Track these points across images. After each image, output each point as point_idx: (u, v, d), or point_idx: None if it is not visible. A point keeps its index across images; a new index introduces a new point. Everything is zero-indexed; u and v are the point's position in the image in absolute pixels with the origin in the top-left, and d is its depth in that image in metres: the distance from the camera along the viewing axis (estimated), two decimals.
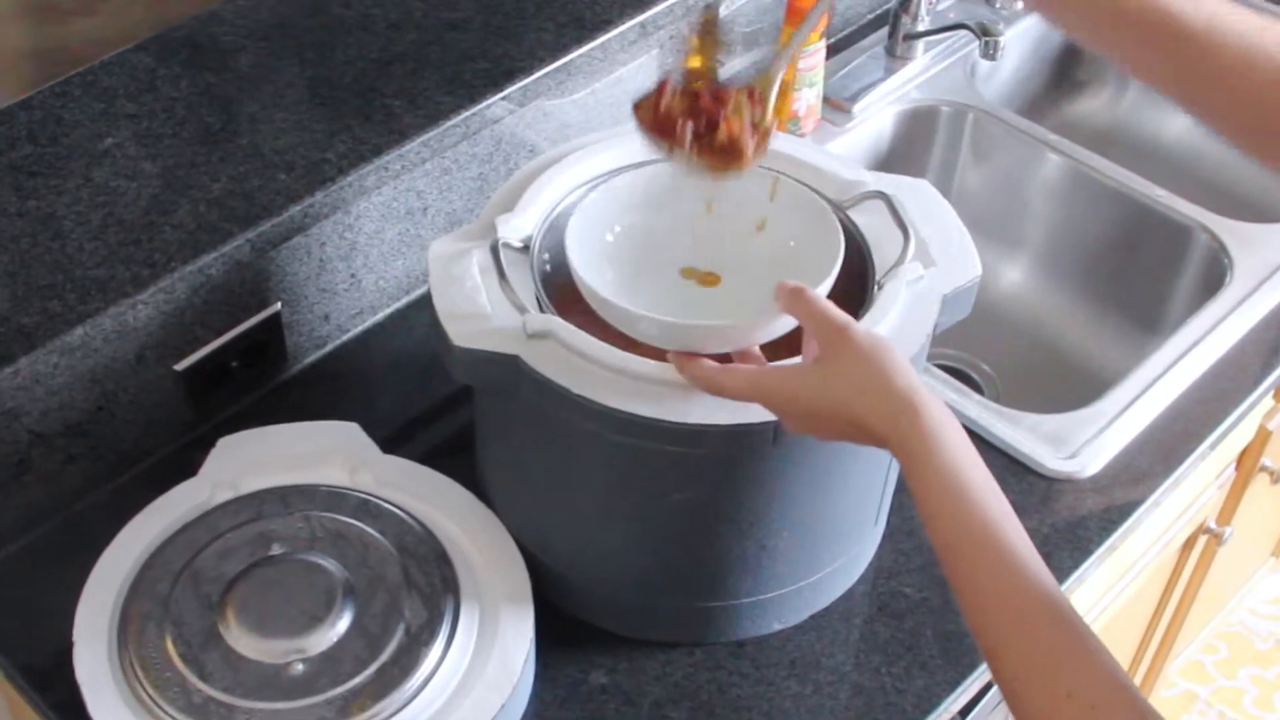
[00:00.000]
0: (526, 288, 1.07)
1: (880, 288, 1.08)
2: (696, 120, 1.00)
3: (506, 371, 1.03)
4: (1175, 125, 1.97)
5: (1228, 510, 1.81)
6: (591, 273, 1.04)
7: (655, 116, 1.01)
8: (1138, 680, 2.05)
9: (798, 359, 1.00)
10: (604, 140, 1.19)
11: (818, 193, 1.13)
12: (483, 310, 1.06)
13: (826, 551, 1.17)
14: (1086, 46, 1.04)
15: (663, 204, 1.13)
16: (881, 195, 1.14)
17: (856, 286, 1.09)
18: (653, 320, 1.00)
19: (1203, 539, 1.78)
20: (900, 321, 1.06)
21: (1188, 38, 0.95)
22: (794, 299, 0.96)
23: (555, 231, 1.13)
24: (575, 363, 1.02)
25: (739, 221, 1.12)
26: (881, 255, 1.11)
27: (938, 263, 1.11)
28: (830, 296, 1.00)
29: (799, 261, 1.08)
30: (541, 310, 1.06)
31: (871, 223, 1.13)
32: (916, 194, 1.17)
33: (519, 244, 1.10)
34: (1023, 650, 0.83)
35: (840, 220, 1.09)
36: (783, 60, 1.04)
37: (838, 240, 1.05)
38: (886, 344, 0.93)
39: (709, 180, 1.03)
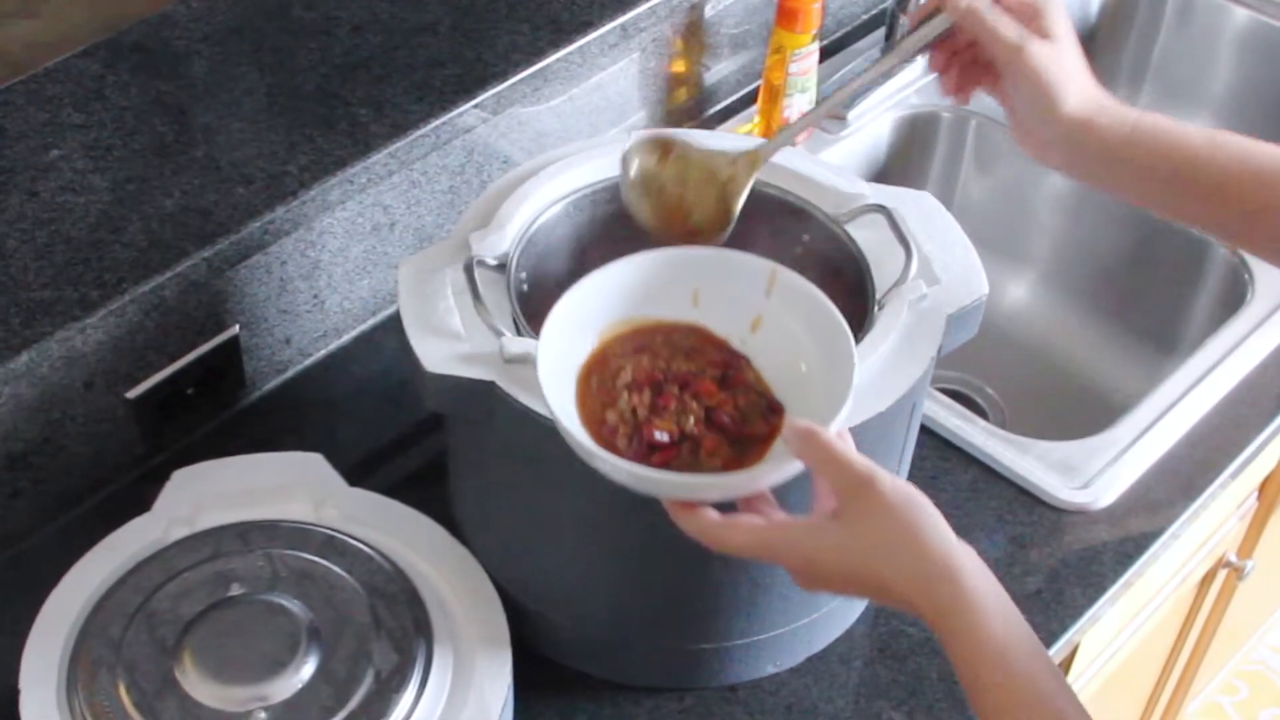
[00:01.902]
0: (503, 309, 1.08)
1: (881, 308, 1.09)
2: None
3: (482, 398, 1.04)
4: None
5: (1249, 543, 1.82)
6: (569, 411, 0.98)
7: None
8: None
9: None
10: (583, 151, 1.20)
11: (818, 212, 1.13)
12: (456, 333, 1.06)
13: None
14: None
15: (644, 302, 1.05)
16: (882, 209, 1.14)
17: (856, 307, 1.09)
18: (640, 474, 0.93)
19: (1222, 573, 1.79)
20: (903, 344, 1.07)
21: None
22: (806, 443, 0.89)
23: (532, 248, 1.13)
24: None
25: (729, 319, 1.04)
26: (882, 273, 1.11)
27: (942, 280, 1.12)
28: None
29: (803, 375, 1.01)
30: (519, 333, 1.06)
31: (871, 238, 1.14)
32: (918, 207, 1.18)
33: (494, 262, 1.10)
34: None
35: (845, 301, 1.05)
36: None
37: (849, 352, 0.97)
38: (919, 499, 0.88)
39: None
